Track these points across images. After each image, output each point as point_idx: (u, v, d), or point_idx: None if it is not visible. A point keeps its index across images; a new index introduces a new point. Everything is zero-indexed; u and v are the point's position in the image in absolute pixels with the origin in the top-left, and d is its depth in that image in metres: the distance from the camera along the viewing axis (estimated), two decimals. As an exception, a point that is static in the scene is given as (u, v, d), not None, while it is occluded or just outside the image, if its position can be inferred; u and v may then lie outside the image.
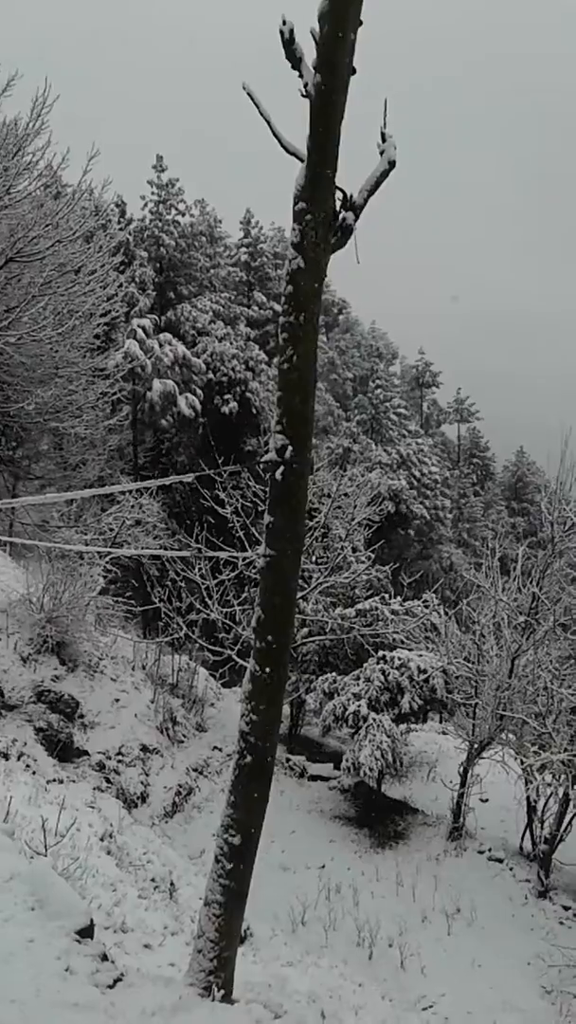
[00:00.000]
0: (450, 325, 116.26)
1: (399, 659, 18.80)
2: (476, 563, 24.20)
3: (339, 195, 6.44)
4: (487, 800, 18.82)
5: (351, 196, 6.50)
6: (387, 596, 23.37)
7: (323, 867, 15.53)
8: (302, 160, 6.22)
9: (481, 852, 16.62)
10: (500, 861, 16.33)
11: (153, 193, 42.86)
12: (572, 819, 15.82)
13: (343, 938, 12.97)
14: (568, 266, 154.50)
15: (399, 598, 23.23)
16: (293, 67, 5.98)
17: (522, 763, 16.24)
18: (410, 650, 19.65)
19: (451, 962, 12.90)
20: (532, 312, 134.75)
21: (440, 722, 23.89)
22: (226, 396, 34.80)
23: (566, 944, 13.48)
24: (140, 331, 32.22)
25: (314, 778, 20.34)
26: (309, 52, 5.90)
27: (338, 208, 6.44)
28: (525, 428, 70.95)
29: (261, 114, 6.37)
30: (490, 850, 16.66)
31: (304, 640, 21.13)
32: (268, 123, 6.35)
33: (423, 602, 23.03)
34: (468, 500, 62.43)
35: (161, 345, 33.22)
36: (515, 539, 43.25)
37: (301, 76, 5.98)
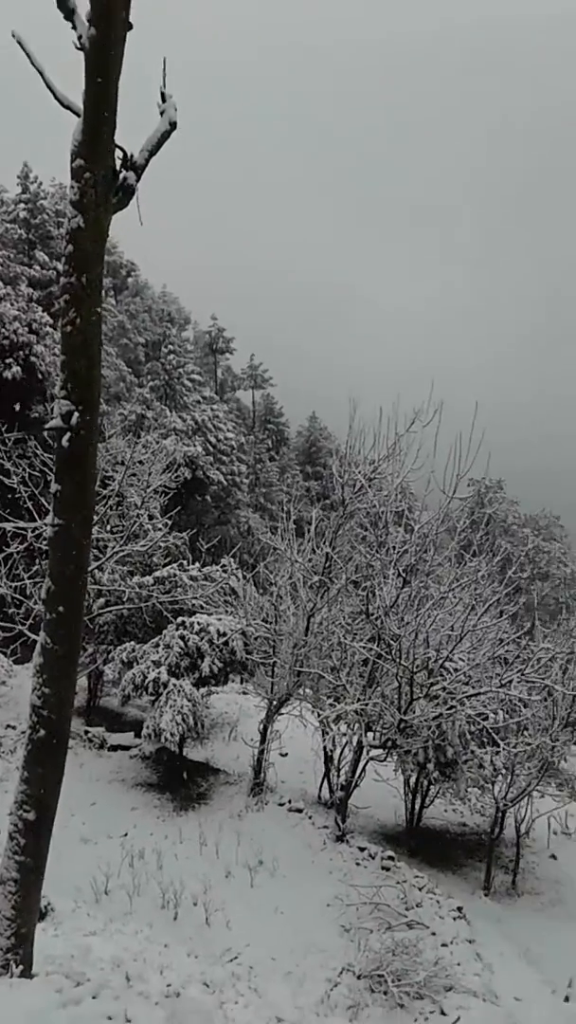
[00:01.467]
0: (241, 290, 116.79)
1: (199, 624, 18.95)
2: (273, 526, 24.75)
3: (119, 154, 6.29)
4: (287, 754, 19.52)
5: (132, 155, 6.36)
6: (185, 562, 23.46)
7: (126, 835, 15.51)
8: (79, 115, 6.01)
9: (282, 804, 17.22)
10: (300, 811, 17.00)
11: None
12: (365, 765, 16.72)
13: (148, 902, 13.04)
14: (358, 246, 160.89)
15: (197, 564, 23.36)
16: (66, 18, 5.76)
17: (319, 716, 16.96)
18: (209, 615, 19.86)
19: (255, 913, 13.32)
20: (320, 286, 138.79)
21: (241, 683, 24.33)
22: (8, 360, 33.02)
23: (361, 883, 14.34)
24: None
25: (114, 748, 20.19)
26: (84, 5, 5.70)
27: (119, 167, 6.29)
28: (316, 396, 73.13)
29: (33, 64, 6.08)
30: (290, 802, 17.30)
31: (100, 611, 20.80)
32: (41, 74, 6.07)
33: (221, 567, 23.30)
34: (264, 465, 63.47)
35: None
36: (309, 502, 44.69)
37: (75, 28, 5.75)
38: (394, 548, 17.02)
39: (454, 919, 13.90)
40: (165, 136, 6.52)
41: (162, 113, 6.52)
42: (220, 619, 19.36)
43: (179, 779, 18.25)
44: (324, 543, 18.28)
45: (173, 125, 6.52)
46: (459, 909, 14.24)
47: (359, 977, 11.75)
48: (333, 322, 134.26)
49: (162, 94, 6.48)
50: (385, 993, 11.36)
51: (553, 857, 18.61)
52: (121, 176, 6.26)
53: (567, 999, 6.98)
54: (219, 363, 71.70)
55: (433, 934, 13.17)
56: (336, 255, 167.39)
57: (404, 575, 16.74)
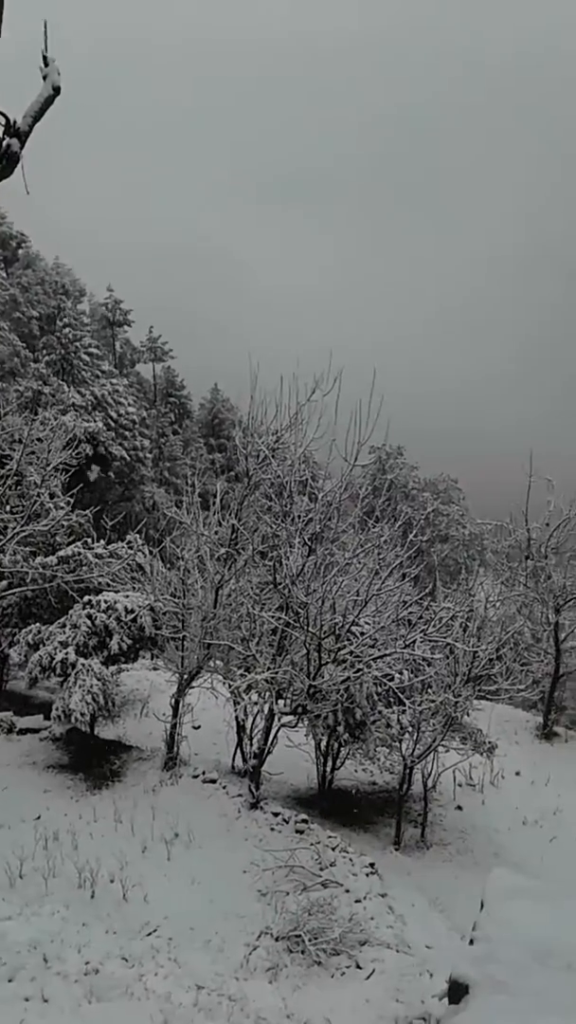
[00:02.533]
0: (140, 265, 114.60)
1: (106, 602, 18.74)
2: (178, 500, 24.60)
3: (1, 120, 6.07)
4: (199, 727, 19.62)
5: (15, 122, 6.15)
6: (90, 540, 23.07)
7: (39, 818, 15.32)
8: (-45, 78, 5.75)
9: (196, 776, 17.31)
10: (214, 782, 17.13)
11: None
12: (277, 732, 16.94)
13: (64, 883, 12.96)
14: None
15: (102, 541, 23.01)
16: None
17: (230, 687, 17.07)
18: (117, 592, 19.64)
19: (172, 885, 13.42)
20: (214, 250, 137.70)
21: (151, 659, 24.28)
22: None
23: (277, 847, 14.60)
24: None
25: (24, 731, 19.87)
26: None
27: (1, 134, 6.07)
28: (219, 367, 72.60)
29: None
30: (204, 773, 17.41)
31: (3, 593, 20.31)
32: None
33: (127, 543, 23.02)
34: (167, 439, 62.84)
35: None
36: (214, 474, 44.48)
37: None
38: (299, 517, 17.16)
39: (367, 875, 14.30)
40: (49, 101, 6.32)
41: (45, 77, 6.31)
42: (128, 596, 19.19)
43: (92, 758, 18.12)
44: (230, 515, 18.29)
45: (57, 90, 6.32)
46: (371, 865, 14.66)
47: (277, 939, 12.00)
48: (227, 294, 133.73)
49: (44, 57, 6.27)
50: (303, 952, 11.64)
51: (459, 808, 19.34)
52: (4, 143, 6.04)
53: (472, 942, 7.33)
54: (117, 336, 70.31)
55: (347, 891, 13.53)
56: (218, 226, 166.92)
57: (310, 543, 16.91)
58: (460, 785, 19.98)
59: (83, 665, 17.55)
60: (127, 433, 49.40)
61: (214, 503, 18.89)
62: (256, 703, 17.25)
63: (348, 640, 16.11)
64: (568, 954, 6.80)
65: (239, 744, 18.00)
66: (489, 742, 18.77)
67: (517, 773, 21.60)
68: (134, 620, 18.53)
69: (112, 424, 47.85)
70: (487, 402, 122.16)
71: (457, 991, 7.01)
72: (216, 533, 18.40)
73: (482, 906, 7.86)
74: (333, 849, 14.96)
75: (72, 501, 24.04)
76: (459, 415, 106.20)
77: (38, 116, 6.30)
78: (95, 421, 42.77)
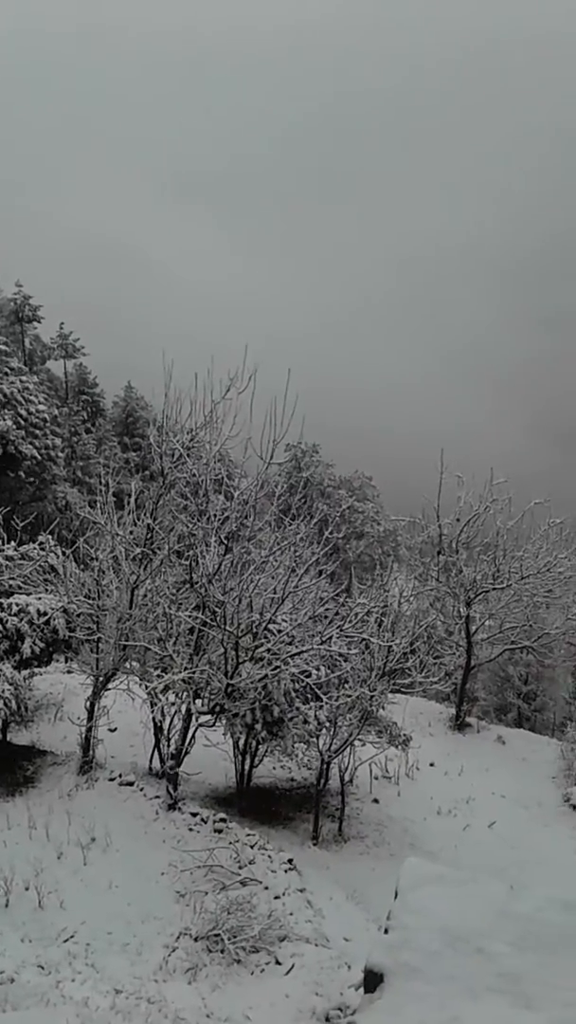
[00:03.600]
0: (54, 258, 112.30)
1: (17, 605, 18.33)
2: (92, 500, 24.19)
3: None
4: (115, 729, 19.42)
5: None
6: (0, 542, 22.54)
7: (-51, 828, 14.93)
8: None
9: (112, 779, 17.10)
10: (131, 784, 16.96)
11: None
12: (195, 732, 16.90)
13: (-23, 893, 12.67)
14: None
15: (13, 543, 22.50)
16: None
17: (147, 688, 16.92)
18: (28, 595, 19.24)
19: (89, 890, 13.28)
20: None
21: (65, 662, 23.86)
22: None
23: (195, 848, 14.58)
24: None
25: None
26: None
27: None
28: (133, 365, 71.67)
29: None
30: (121, 776, 17.21)
31: None
32: None
33: (39, 544, 22.56)
34: (80, 438, 61.66)
35: None
36: (129, 474, 43.99)
37: None
38: (215, 516, 17.13)
39: (286, 871, 14.42)
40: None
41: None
42: (40, 598, 18.82)
43: (4, 765, 17.71)
44: (145, 514, 18.11)
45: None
46: (290, 861, 14.78)
47: (196, 939, 12.01)
48: (141, 292, 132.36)
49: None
50: (222, 951, 11.68)
51: (376, 801, 19.65)
52: None
53: (386, 931, 7.49)
54: (27, 332, 68.57)
55: (266, 888, 13.63)
56: (133, 223, 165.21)
57: (226, 542, 16.91)
58: (376, 778, 20.30)
59: (-6, 670, 17.14)
60: (38, 432, 48.26)
61: (129, 502, 18.66)
62: (173, 703, 17.14)
63: (265, 638, 16.17)
64: (478, 938, 7.01)
65: (156, 745, 17.87)
66: (404, 735, 19.15)
67: (431, 764, 22.08)
68: (47, 623, 18.19)
69: (22, 422, 46.68)
70: (405, 404, 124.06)
71: (372, 980, 7.14)
72: (131, 533, 18.18)
73: (396, 895, 8.02)
74: (252, 847, 15.02)
75: (-19, 502, 23.46)
76: (374, 415, 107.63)
77: None
78: (4, 419, 41.81)
